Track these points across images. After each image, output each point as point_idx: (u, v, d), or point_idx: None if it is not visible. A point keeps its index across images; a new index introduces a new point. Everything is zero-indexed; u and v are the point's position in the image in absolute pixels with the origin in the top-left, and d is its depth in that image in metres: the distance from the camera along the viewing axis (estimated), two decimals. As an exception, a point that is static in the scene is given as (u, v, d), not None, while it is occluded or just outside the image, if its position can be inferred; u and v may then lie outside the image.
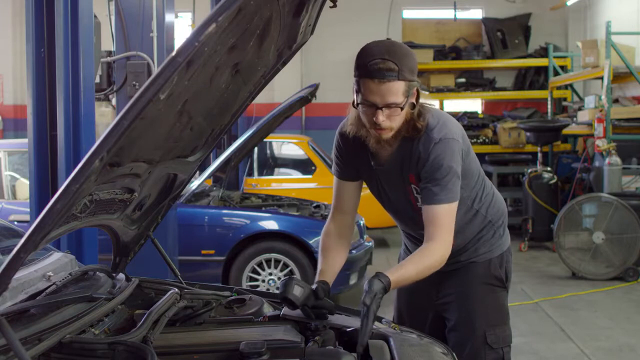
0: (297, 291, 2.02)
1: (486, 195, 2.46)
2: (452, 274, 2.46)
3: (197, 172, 3.33)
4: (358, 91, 2.15)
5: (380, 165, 2.34)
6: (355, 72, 2.15)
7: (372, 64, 2.08)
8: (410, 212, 2.37)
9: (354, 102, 2.22)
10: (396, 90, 2.10)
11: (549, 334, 5.17)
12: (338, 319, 2.10)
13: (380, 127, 2.16)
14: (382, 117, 2.13)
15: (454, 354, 2.14)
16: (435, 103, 11.71)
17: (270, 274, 5.62)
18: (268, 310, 2.20)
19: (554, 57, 10.49)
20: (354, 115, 2.27)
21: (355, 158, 2.38)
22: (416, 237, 2.47)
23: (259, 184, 8.50)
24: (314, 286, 2.12)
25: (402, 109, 2.14)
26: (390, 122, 2.16)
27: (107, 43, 5.04)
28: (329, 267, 2.30)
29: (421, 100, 2.22)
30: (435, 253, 2.17)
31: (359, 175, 2.43)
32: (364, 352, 1.88)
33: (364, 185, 2.49)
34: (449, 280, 2.47)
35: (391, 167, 2.31)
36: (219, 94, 1.96)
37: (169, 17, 5.09)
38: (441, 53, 11.21)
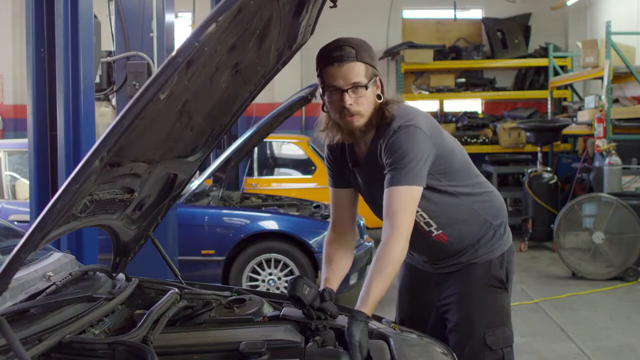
0: (306, 291, 2.03)
1: (480, 193, 2.45)
2: (453, 275, 2.46)
3: (197, 172, 3.33)
4: (323, 85, 2.20)
5: (357, 166, 2.36)
6: (317, 70, 2.21)
7: (330, 52, 2.16)
8: None
9: (323, 105, 2.27)
10: (357, 71, 2.15)
11: (549, 334, 5.17)
12: (338, 319, 2.10)
13: (349, 113, 2.18)
14: (349, 100, 2.16)
15: (454, 354, 2.14)
16: (434, 103, 11.73)
17: (270, 274, 5.62)
18: (268, 310, 2.20)
19: (554, 57, 10.48)
20: (324, 119, 2.30)
21: (341, 165, 2.42)
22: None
23: (259, 184, 8.50)
24: (320, 289, 2.14)
25: (366, 88, 2.17)
26: (358, 105, 2.18)
27: (107, 43, 5.04)
28: (333, 275, 2.32)
29: (392, 97, 2.27)
30: (392, 253, 2.10)
31: (348, 182, 2.45)
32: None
33: None
34: (450, 281, 2.47)
35: (367, 166, 2.33)
36: (219, 94, 1.96)
37: (169, 17, 5.09)
38: (441, 53, 11.20)
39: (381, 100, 2.23)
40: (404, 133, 2.18)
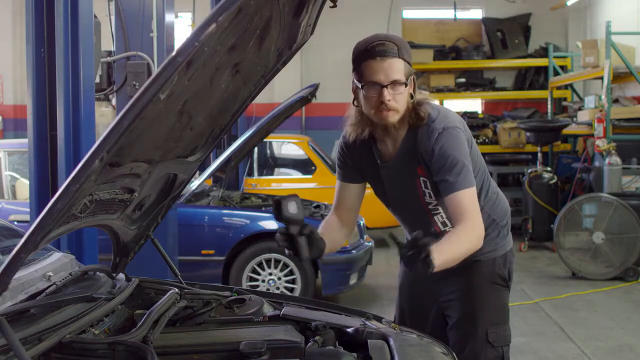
0: (292, 207, 1.98)
1: (491, 194, 2.47)
2: (456, 271, 2.45)
3: (197, 172, 3.33)
4: (360, 79, 2.20)
5: (386, 162, 2.36)
6: (354, 64, 2.21)
7: (373, 46, 2.17)
8: (418, 209, 2.38)
9: (354, 100, 2.28)
10: (398, 68, 2.17)
11: (549, 334, 5.16)
12: (339, 319, 2.10)
13: (387, 108, 2.19)
14: (387, 95, 2.17)
15: (454, 354, 2.14)
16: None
17: (270, 274, 5.62)
18: (268, 310, 2.20)
19: (554, 57, 10.48)
20: (354, 113, 2.31)
21: (360, 162, 2.41)
22: None
23: (259, 184, 8.49)
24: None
25: (405, 85, 2.19)
26: (396, 102, 2.20)
27: (107, 43, 5.03)
28: (328, 239, 2.26)
29: (419, 96, 2.29)
30: (471, 233, 2.15)
31: (363, 177, 2.45)
32: (364, 353, 1.88)
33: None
34: (453, 277, 2.46)
35: (398, 162, 2.33)
36: (219, 94, 1.96)
37: (169, 17, 5.09)
38: (441, 53, 11.21)
39: (413, 100, 2.25)
40: (450, 136, 2.22)
